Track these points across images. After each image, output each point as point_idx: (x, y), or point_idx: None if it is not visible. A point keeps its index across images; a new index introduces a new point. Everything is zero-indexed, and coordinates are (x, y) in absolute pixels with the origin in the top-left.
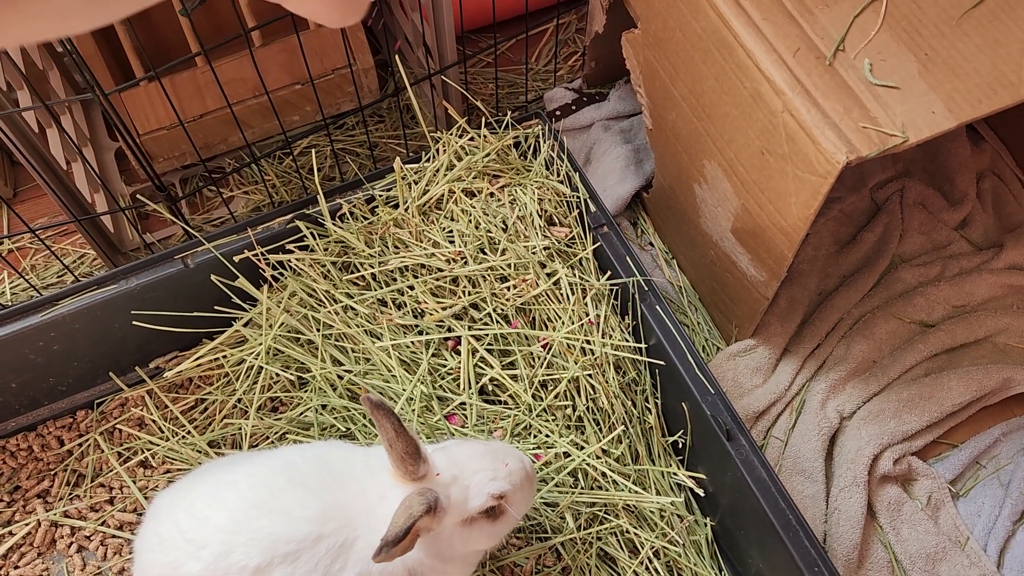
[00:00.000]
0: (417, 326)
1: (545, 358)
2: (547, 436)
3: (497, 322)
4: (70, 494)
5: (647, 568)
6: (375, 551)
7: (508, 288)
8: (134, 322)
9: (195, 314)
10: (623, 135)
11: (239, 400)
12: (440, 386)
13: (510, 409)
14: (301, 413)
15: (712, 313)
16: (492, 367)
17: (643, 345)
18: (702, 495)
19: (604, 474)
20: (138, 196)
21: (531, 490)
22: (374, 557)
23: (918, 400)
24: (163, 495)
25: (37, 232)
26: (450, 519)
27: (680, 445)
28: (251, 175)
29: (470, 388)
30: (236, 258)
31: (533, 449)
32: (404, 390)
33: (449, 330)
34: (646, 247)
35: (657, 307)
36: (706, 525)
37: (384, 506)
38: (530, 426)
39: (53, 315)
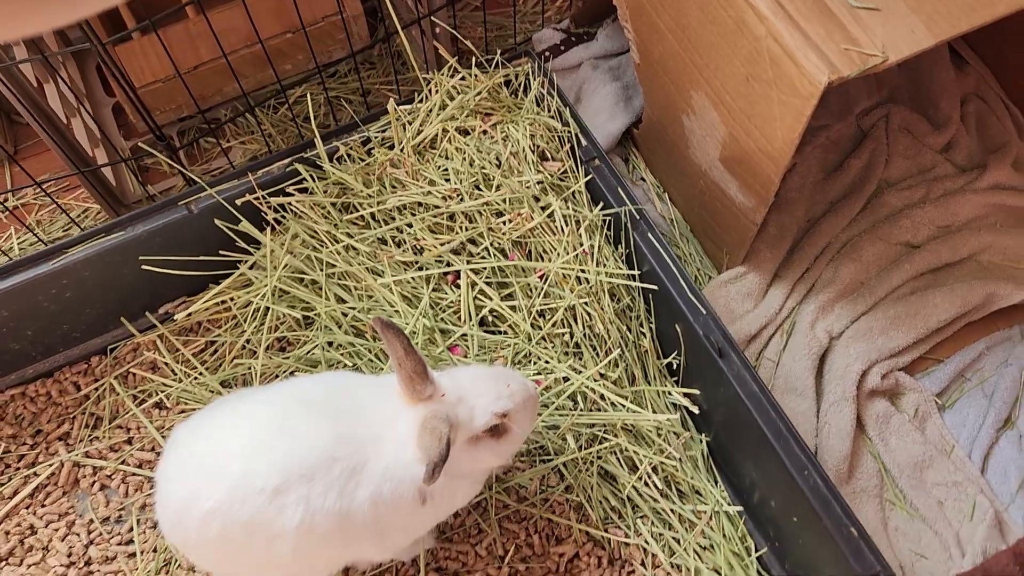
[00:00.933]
0: (417, 262)
1: (542, 288)
2: (546, 363)
3: (494, 256)
4: (90, 436)
5: (646, 483)
6: (426, 474)
7: (504, 222)
8: (142, 267)
9: (201, 258)
10: (612, 73)
11: (247, 341)
12: (442, 319)
13: (510, 338)
14: (308, 351)
15: (703, 243)
16: (491, 299)
17: (636, 272)
18: (696, 412)
19: (602, 396)
20: (140, 145)
21: (533, 410)
22: (426, 480)
23: (904, 318)
24: (181, 427)
25: (42, 185)
26: (458, 438)
27: (674, 366)
28: (247, 126)
29: (471, 320)
30: (238, 202)
31: (534, 375)
32: (407, 324)
33: (448, 265)
34: (637, 182)
35: (649, 235)
36: (701, 441)
37: (394, 429)
38: (530, 354)
39: (63, 263)
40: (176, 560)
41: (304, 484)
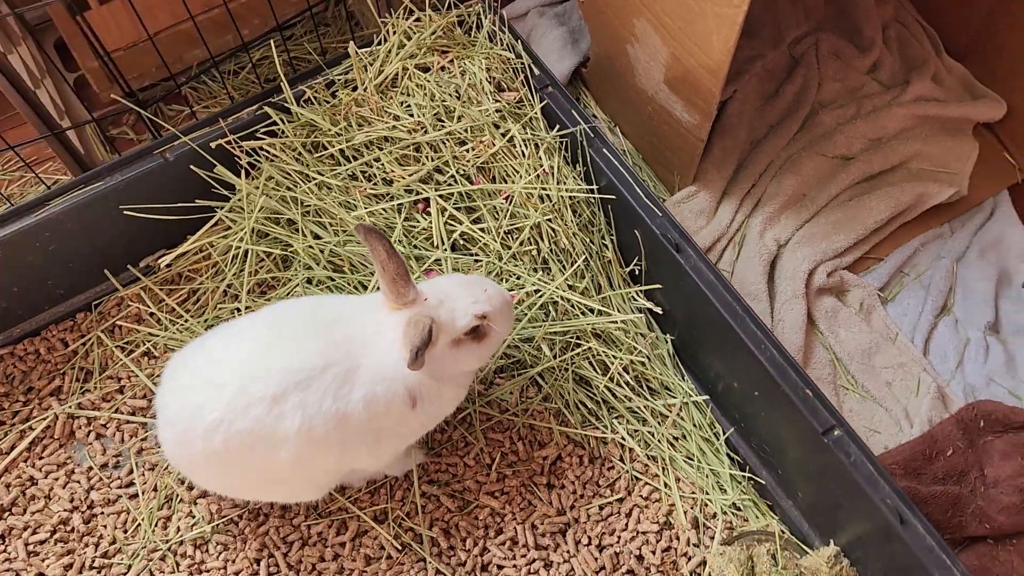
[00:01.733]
0: (388, 194)
1: (508, 209)
2: (517, 278)
3: (460, 182)
4: (81, 388)
5: (619, 384)
6: (409, 359)
7: (467, 150)
8: (124, 214)
9: (179, 204)
10: (558, 19)
11: (229, 286)
12: (415, 245)
13: (482, 258)
14: (289, 291)
15: (655, 168)
16: (461, 223)
17: (595, 186)
18: (660, 313)
19: (572, 304)
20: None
21: (509, 314)
22: (410, 364)
23: (844, 222)
24: (177, 356)
25: (15, 148)
26: (441, 340)
27: (637, 272)
28: (210, 91)
29: (443, 244)
30: (212, 145)
31: (507, 290)
32: None
33: (417, 194)
34: (590, 119)
35: (604, 150)
36: (666, 341)
37: (380, 335)
38: (501, 271)
39: (46, 215)
40: (177, 495)
41: (300, 391)
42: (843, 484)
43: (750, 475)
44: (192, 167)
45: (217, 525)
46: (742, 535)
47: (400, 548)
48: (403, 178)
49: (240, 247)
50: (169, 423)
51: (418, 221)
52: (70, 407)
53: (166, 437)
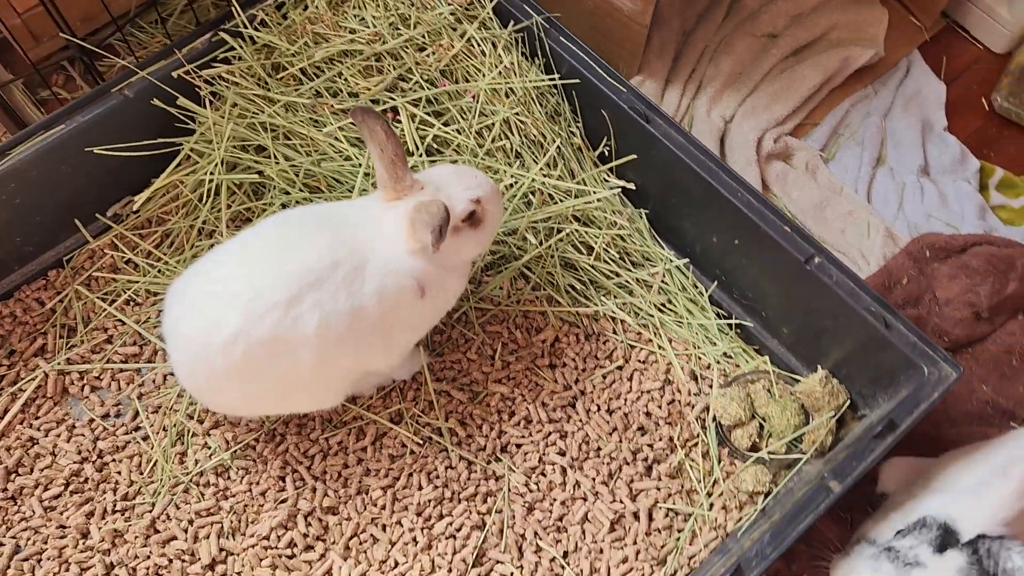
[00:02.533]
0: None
1: (476, 108)
2: (495, 173)
3: (426, 87)
4: (67, 344)
5: (604, 260)
6: (432, 239)
7: (428, 56)
8: (93, 152)
9: (146, 143)
10: None
11: (204, 223)
12: None
13: (457, 159)
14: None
15: None
16: (432, 126)
17: (557, 75)
18: (633, 188)
19: (550, 194)
20: (68, 39)
21: (499, 200)
22: (434, 244)
23: (781, 92)
24: (177, 282)
25: None
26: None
27: (606, 154)
28: (139, 41)
29: (418, 149)
30: (174, 75)
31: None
32: (359, 166)
33: (384, 104)
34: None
35: (561, 38)
36: (641, 215)
37: (382, 230)
38: (479, 168)
39: (9, 165)
40: (189, 430)
41: (315, 290)
42: (828, 306)
43: (736, 322)
44: (154, 102)
45: (235, 451)
46: (737, 378)
47: (421, 443)
48: (368, 90)
49: (212, 179)
50: (182, 347)
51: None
52: (59, 363)
53: (180, 361)
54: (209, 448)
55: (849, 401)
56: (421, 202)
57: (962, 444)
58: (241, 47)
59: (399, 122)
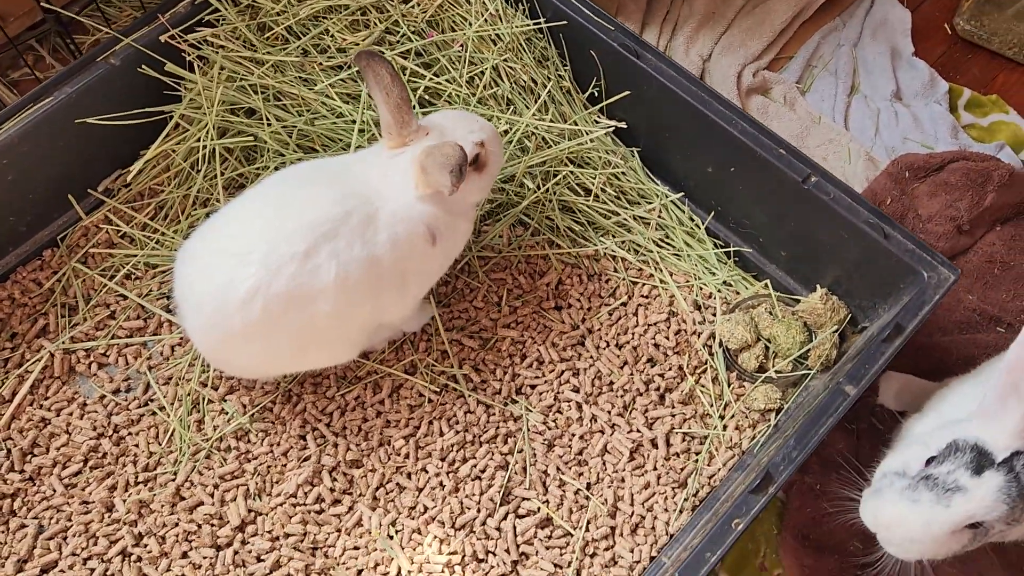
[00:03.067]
0: (345, 63)
1: (465, 56)
2: (489, 120)
3: (414, 39)
4: (70, 323)
5: (601, 200)
6: (452, 182)
7: (413, 7)
8: (84, 123)
9: (136, 111)
10: None
11: (198, 191)
12: None
13: (449, 109)
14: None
15: None
16: (423, 77)
17: (542, 19)
18: (625, 127)
19: (543, 138)
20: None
21: (500, 142)
22: (454, 185)
23: (754, 28)
24: (188, 242)
25: None
26: None
27: (596, 95)
28: (116, 14)
29: (410, 102)
30: (161, 39)
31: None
32: (353, 122)
33: None
34: None
35: None
36: (634, 154)
37: (389, 178)
38: None
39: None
40: (204, 397)
41: (330, 240)
42: (826, 223)
43: (734, 249)
44: (142, 69)
45: (253, 415)
46: (739, 304)
47: (438, 391)
48: (356, 44)
49: (204, 145)
50: (197, 309)
51: None
52: (64, 343)
53: (196, 325)
54: (227, 413)
55: (850, 315)
56: (431, 146)
57: (954, 351)
58: (225, 8)
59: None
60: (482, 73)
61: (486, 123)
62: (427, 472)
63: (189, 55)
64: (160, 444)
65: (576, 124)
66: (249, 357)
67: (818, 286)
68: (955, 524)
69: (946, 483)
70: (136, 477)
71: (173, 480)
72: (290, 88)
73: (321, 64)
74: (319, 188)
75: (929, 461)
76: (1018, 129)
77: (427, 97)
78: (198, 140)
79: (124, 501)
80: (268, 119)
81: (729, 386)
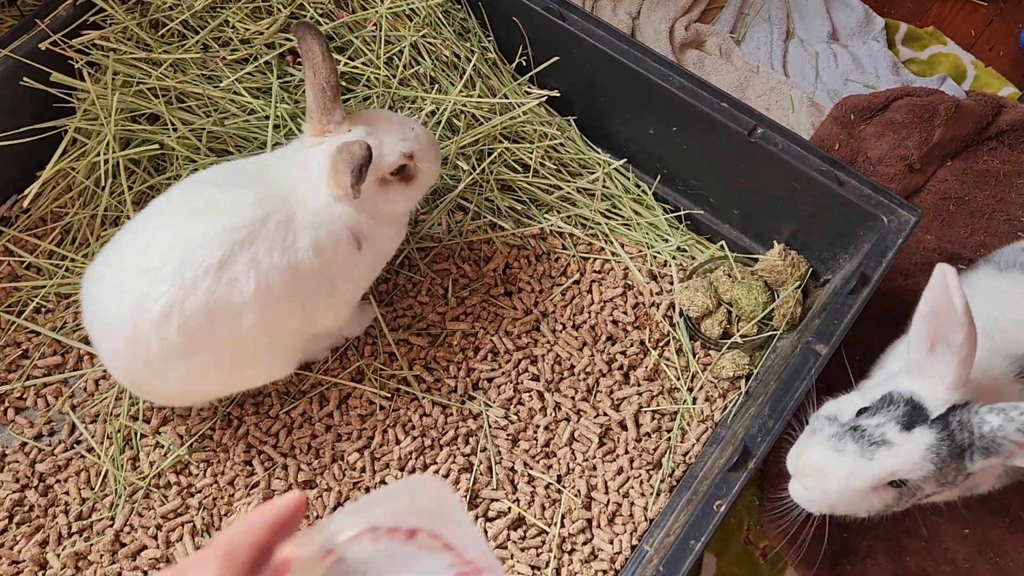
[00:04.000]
0: (251, 55)
1: (380, 36)
2: (412, 102)
3: (322, 23)
4: None
5: (541, 175)
6: (353, 177)
7: None
8: None
9: (24, 129)
10: None
11: (106, 210)
12: (297, 101)
13: (371, 92)
14: None
15: None
16: (339, 61)
17: None
18: (558, 96)
19: (475, 116)
20: None
21: (437, 156)
22: (353, 186)
23: None
24: (91, 269)
25: None
26: (368, 176)
27: (524, 65)
28: None
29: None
30: (41, 46)
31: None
32: (267, 118)
33: (281, 46)
34: None
35: None
36: (570, 123)
37: (308, 174)
38: (394, 100)
39: None
40: (136, 432)
41: (247, 248)
42: (777, 175)
43: (685, 213)
44: (24, 82)
45: (192, 445)
46: (696, 269)
47: (390, 396)
48: (261, 33)
49: (107, 159)
50: (110, 334)
51: (293, 74)
52: None
53: (110, 351)
54: (163, 447)
55: (811, 269)
56: (345, 143)
57: (919, 294)
58: (111, 7)
59: (300, 63)
60: (400, 52)
61: (424, 133)
62: (387, 484)
63: (77, 62)
64: (93, 488)
65: (506, 97)
66: (174, 382)
67: (775, 242)
68: (877, 479)
69: (872, 436)
70: (69, 528)
71: (111, 526)
72: (194, 88)
73: (225, 58)
74: (233, 191)
75: (862, 412)
76: (958, 60)
77: (344, 83)
78: (99, 155)
79: (59, 556)
80: (173, 124)
81: (695, 356)
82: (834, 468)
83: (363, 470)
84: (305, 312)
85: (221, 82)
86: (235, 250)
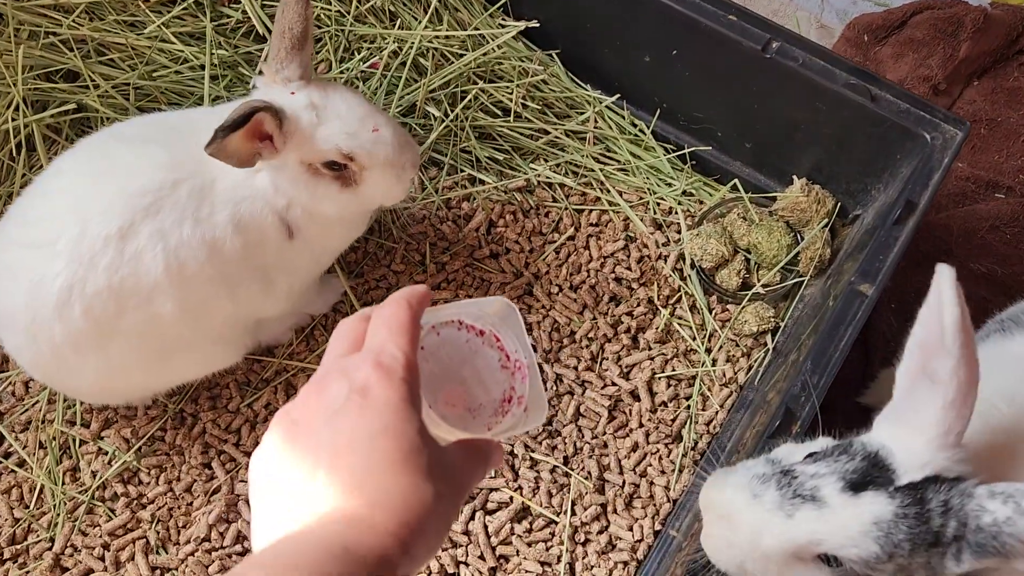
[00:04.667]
0: None
1: None
2: (372, 42)
3: None
4: None
5: (523, 119)
6: (208, 140)
7: None
8: None
9: None
10: None
11: (24, 185)
12: (236, 46)
13: (324, 33)
14: None
15: None
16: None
17: None
18: (537, 27)
19: (444, 54)
20: None
21: (397, 175)
22: (206, 147)
23: None
24: None
25: None
26: (294, 152)
27: None
28: None
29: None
30: None
31: (365, 60)
32: (202, 67)
33: None
34: None
35: None
36: (554, 57)
37: None
38: (350, 41)
39: None
40: (74, 438)
41: (151, 216)
42: (798, 96)
43: (690, 150)
44: None
45: (140, 449)
46: (706, 214)
47: None
48: None
49: (19, 125)
50: (8, 324)
51: (230, 15)
52: None
53: (16, 344)
54: (106, 453)
55: (839, 205)
56: (254, 99)
57: (953, 228)
58: None
59: (238, 2)
60: None
61: (390, 143)
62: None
63: None
64: (27, 507)
65: (478, 30)
66: (89, 376)
67: (795, 177)
68: (792, 544)
69: (802, 487)
70: (1, 554)
71: (50, 548)
72: (114, 36)
73: (149, 1)
74: (144, 148)
75: (810, 456)
76: None
77: None
78: (8, 121)
79: None
80: (93, 80)
81: (711, 312)
82: (744, 516)
83: None
84: (236, 300)
85: (145, 28)
86: (138, 218)
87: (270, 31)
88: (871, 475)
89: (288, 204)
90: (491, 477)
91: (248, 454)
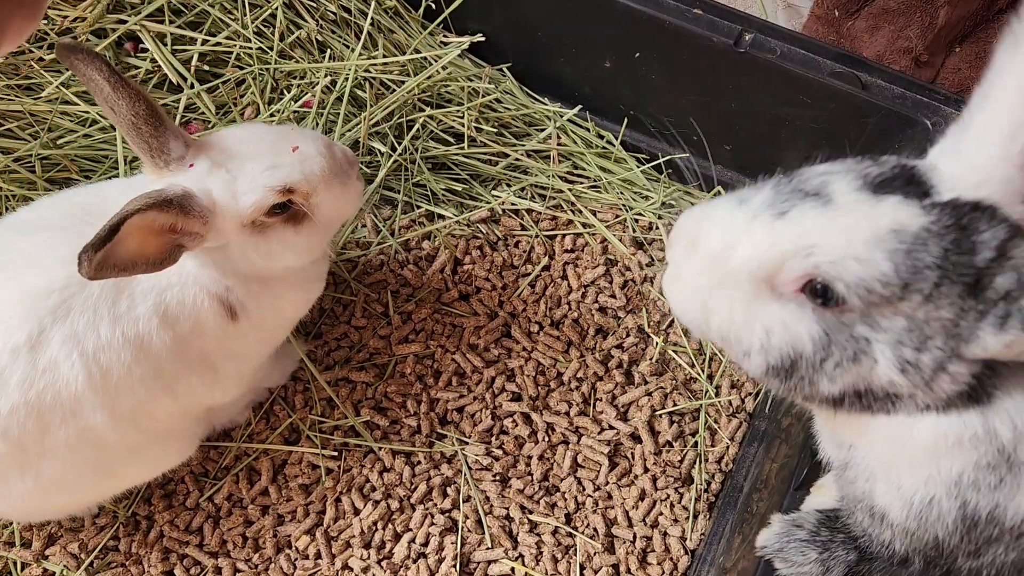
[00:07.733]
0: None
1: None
2: (302, 77)
3: None
4: None
5: (479, 143)
6: (79, 263)
7: None
8: None
9: None
10: None
11: None
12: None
13: (244, 73)
14: None
15: None
16: (194, 42)
17: None
18: (484, 41)
19: (384, 83)
20: None
21: (343, 183)
22: (80, 269)
23: None
24: None
25: None
26: (227, 220)
27: (434, 7)
28: None
29: (185, 79)
30: None
31: (297, 98)
32: (113, 127)
33: (113, 31)
34: None
35: None
36: (505, 72)
37: None
38: (277, 80)
39: None
40: (14, 561)
41: (60, 321)
42: (778, 90)
43: (665, 159)
44: None
45: (92, 564)
46: None
47: (336, 455)
48: (84, 19)
49: None
50: None
51: (137, 65)
52: None
53: None
54: (53, 574)
55: None
56: (155, 191)
57: None
58: None
59: (145, 51)
60: (272, 16)
61: (315, 151)
62: (351, 570)
63: None
64: None
65: (419, 52)
66: (24, 501)
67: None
68: (772, 254)
69: (807, 185)
70: None
71: None
72: (8, 104)
73: (43, 60)
74: (47, 241)
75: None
76: None
77: (207, 67)
78: None
79: None
80: None
81: None
82: (718, 226)
83: (318, 556)
84: (176, 396)
85: (43, 90)
86: (46, 323)
87: (184, 78)
88: (897, 180)
89: (228, 281)
90: (487, 548)
91: (215, 554)
